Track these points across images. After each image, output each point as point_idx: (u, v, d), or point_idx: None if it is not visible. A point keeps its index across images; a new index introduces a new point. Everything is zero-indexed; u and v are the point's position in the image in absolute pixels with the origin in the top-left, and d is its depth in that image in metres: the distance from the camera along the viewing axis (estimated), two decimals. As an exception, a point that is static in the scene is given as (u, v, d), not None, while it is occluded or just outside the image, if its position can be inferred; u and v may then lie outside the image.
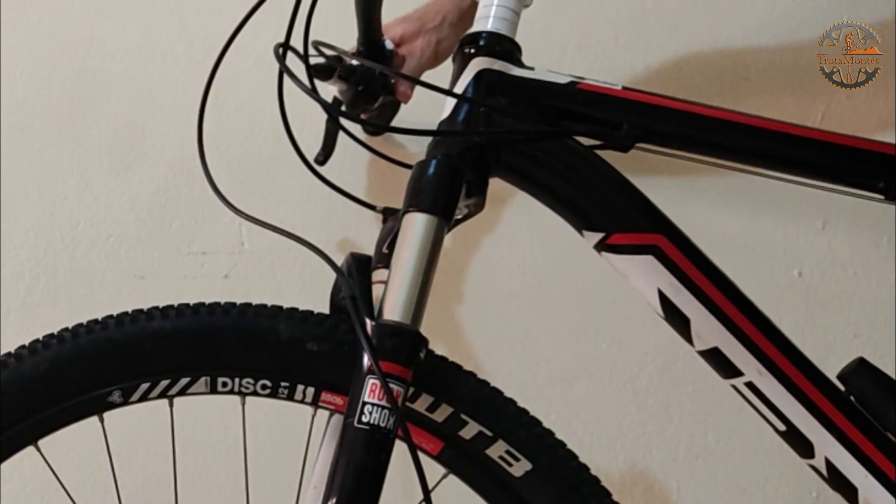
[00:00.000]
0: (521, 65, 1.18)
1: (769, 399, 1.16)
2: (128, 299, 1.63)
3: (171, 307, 1.12)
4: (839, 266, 1.70)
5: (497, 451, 1.14)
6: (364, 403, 1.03)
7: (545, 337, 1.69)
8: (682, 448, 1.69)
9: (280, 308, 1.13)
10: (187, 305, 1.12)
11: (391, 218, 1.16)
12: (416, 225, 1.09)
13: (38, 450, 1.13)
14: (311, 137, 1.40)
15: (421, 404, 1.13)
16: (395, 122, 1.51)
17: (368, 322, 1.05)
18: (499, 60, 1.16)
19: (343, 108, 1.39)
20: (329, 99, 1.40)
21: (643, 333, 1.68)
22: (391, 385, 1.03)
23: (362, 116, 1.44)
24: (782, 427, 1.17)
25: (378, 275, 1.10)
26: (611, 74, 1.19)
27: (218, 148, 1.64)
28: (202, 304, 1.12)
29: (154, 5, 1.68)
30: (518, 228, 1.69)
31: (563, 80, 1.17)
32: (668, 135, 1.18)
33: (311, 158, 1.30)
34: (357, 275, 1.10)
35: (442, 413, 1.13)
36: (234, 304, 1.12)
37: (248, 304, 1.13)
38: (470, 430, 1.13)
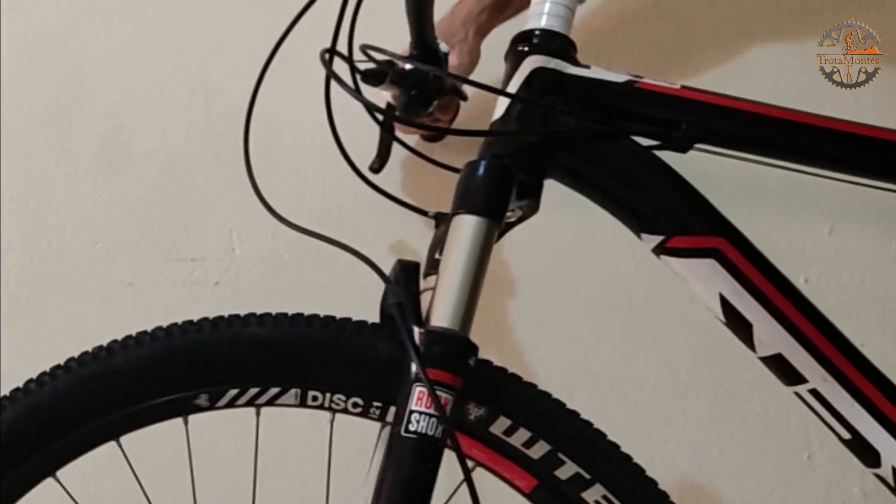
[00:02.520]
0: (576, 63, 1.15)
1: (834, 407, 1.13)
2: (116, 307, 1.63)
3: (268, 315, 1.10)
4: (846, 272, 1.68)
5: (593, 495, 1.12)
6: (411, 412, 1.01)
7: (544, 346, 1.68)
8: (685, 460, 1.68)
9: (381, 326, 1.10)
10: (285, 315, 1.10)
11: (443, 223, 1.12)
12: (464, 227, 1.07)
13: (120, 445, 1.11)
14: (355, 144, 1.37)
15: (517, 439, 1.11)
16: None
17: (416, 329, 1.04)
18: (553, 59, 1.13)
19: (397, 113, 1.36)
20: (382, 105, 1.38)
21: (645, 343, 1.68)
22: (439, 393, 1.01)
23: (420, 120, 1.40)
24: (847, 435, 1.14)
25: (430, 282, 1.08)
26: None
27: (209, 151, 1.61)
28: (301, 315, 1.10)
29: (143, 6, 1.67)
30: (517, 235, 1.63)
31: (621, 78, 1.15)
32: (728, 135, 1.15)
33: (358, 164, 1.26)
34: (403, 282, 1.08)
35: (538, 450, 1.11)
36: (333, 318, 1.10)
37: (348, 320, 1.10)
38: (566, 470, 1.11)
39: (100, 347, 1.09)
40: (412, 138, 1.55)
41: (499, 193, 1.08)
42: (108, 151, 1.65)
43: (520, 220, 1.15)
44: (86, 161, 1.65)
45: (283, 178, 1.64)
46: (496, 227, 1.08)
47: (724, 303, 1.14)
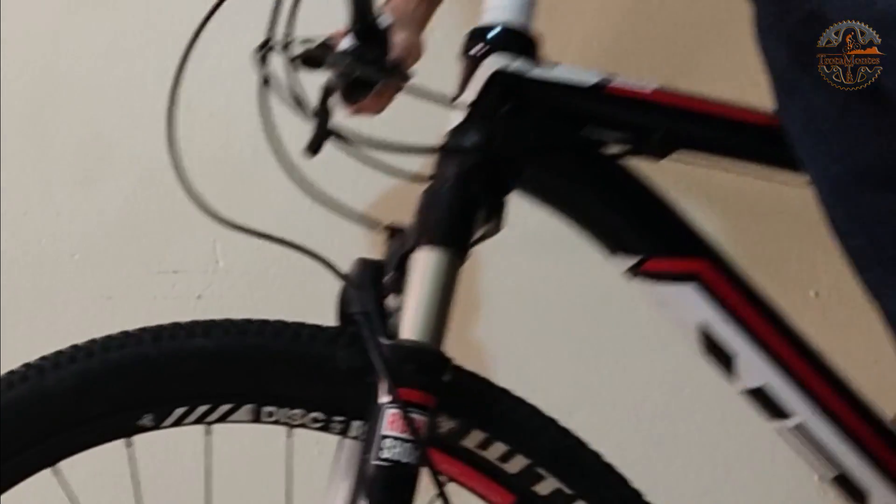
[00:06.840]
0: (541, 62, 1.08)
1: (820, 444, 1.08)
2: (94, 321, 1.62)
3: (215, 323, 1.04)
4: (858, 287, 1.63)
5: None
6: (383, 437, 0.96)
7: (543, 363, 1.65)
8: (689, 482, 1.66)
9: (340, 331, 1.04)
10: (233, 323, 1.04)
11: (398, 236, 1.06)
12: (428, 262, 1.01)
13: (58, 473, 1.05)
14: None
15: (493, 453, 1.05)
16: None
17: (384, 342, 0.98)
18: (515, 59, 1.06)
19: (337, 96, 1.21)
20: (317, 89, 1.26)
21: (648, 359, 1.65)
22: (413, 415, 0.96)
23: (361, 102, 1.24)
24: (832, 474, 1.09)
25: (389, 301, 1.03)
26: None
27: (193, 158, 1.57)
28: (250, 322, 1.04)
29: (123, 10, 1.65)
30: (514, 248, 1.61)
31: (590, 80, 1.07)
32: (709, 141, 1.09)
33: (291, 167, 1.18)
34: (368, 284, 1.02)
35: (516, 464, 1.06)
36: (286, 325, 1.04)
37: (303, 325, 1.04)
38: (547, 485, 1.06)
39: (27, 366, 1.02)
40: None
41: (463, 223, 1.02)
42: (86, 159, 1.64)
43: (480, 239, 1.08)
44: (63, 168, 1.64)
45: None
46: (461, 257, 1.02)
47: (704, 333, 1.08)
